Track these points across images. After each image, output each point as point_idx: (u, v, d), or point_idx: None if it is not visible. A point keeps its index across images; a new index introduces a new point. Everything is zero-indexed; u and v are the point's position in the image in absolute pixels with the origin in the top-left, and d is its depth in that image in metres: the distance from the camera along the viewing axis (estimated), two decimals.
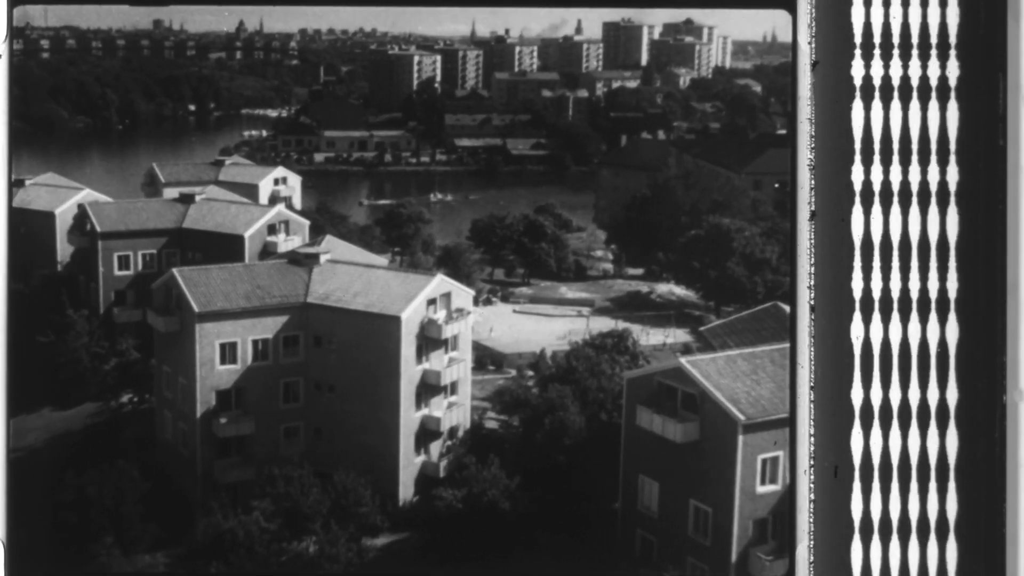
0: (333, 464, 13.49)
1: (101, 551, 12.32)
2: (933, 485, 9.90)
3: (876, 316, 9.88)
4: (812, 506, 9.84)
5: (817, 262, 9.83)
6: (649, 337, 14.49)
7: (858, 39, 9.84)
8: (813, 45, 9.77)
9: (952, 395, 9.88)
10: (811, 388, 9.85)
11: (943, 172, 9.90)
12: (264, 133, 15.77)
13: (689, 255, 14.50)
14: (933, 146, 9.91)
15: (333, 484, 13.24)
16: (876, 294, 9.89)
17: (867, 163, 9.90)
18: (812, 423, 9.83)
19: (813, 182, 9.85)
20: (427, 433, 14.27)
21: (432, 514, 13.45)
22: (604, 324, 14.48)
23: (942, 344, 9.90)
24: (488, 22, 15.29)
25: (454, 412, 14.38)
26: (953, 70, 9.85)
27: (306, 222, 15.23)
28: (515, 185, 15.70)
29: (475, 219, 15.36)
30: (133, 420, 14.02)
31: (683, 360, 13.18)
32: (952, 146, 9.95)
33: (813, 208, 9.90)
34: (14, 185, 15.03)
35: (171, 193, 15.35)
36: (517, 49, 15.85)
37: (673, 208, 14.70)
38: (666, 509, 12.82)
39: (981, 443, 9.87)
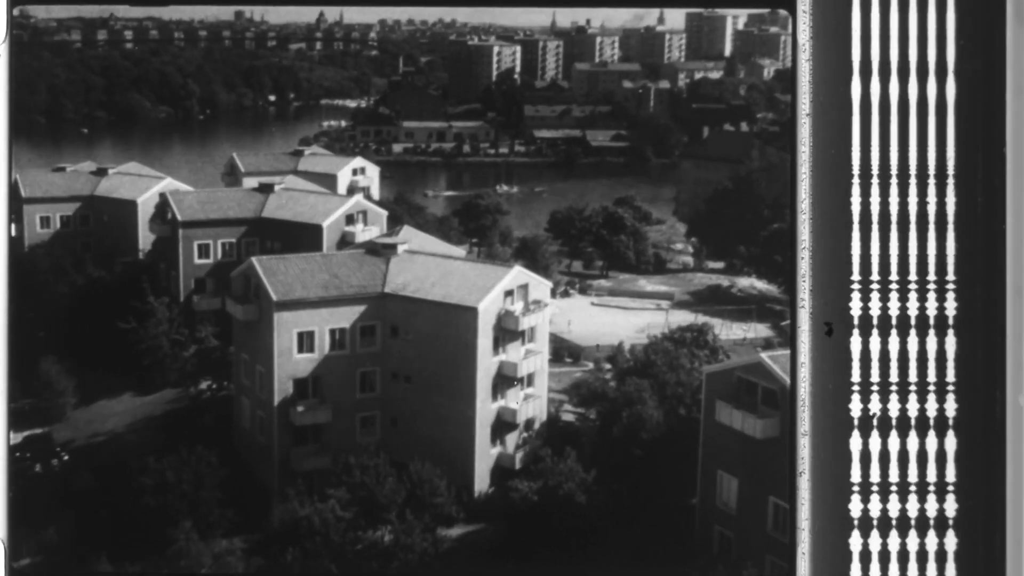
0: (409, 454, 13.69)
1: (179, 535, 12.66)
2: (933, 484, 9.87)
3: (876, 318, 9.88)
4: (812, 508, 9.83)
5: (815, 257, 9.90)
6: (729, 331, 14.47)
7: (857, 39, 9.90)
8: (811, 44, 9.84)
9: (951, 399, 9.92)
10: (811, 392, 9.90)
11: (941, 176, 9.91)
12: (343, 123, 16.03)
13: (771, 249, 14.43)
14: (933, 147, 9.92)
15: (409, 474, 13.44)
16: (876, 295, 9.91)
17: (866, 161, 9.96)
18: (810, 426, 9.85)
19: (811, 174, 9.92)
20: (503, 425, 14.40)
21: (507, 506, 13.58)
22: (684, 318, 14.48)
23: (941, 344, 9.89)
24: (569, 12, 15.38)
25: (530, 404, 14.50)
26: (952, 61, 9.93)
27: (384, 212, 15.47)
28: (594, 177, 15.76)
29: (554, 211, 15.46)
30: (212, 407, 14.38)
31: (764, 355, 13.14)
32: (951, 145, 9.96)
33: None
34: (96, 174, 15.54)
35: (251, 182, 15.68)
36: (598, 39, 15.91)
37: (755, 201, 14.64)
38: (745, 506, 12.79)
39: (981, 447, 9.87)
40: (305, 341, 14.17)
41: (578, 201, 15.62)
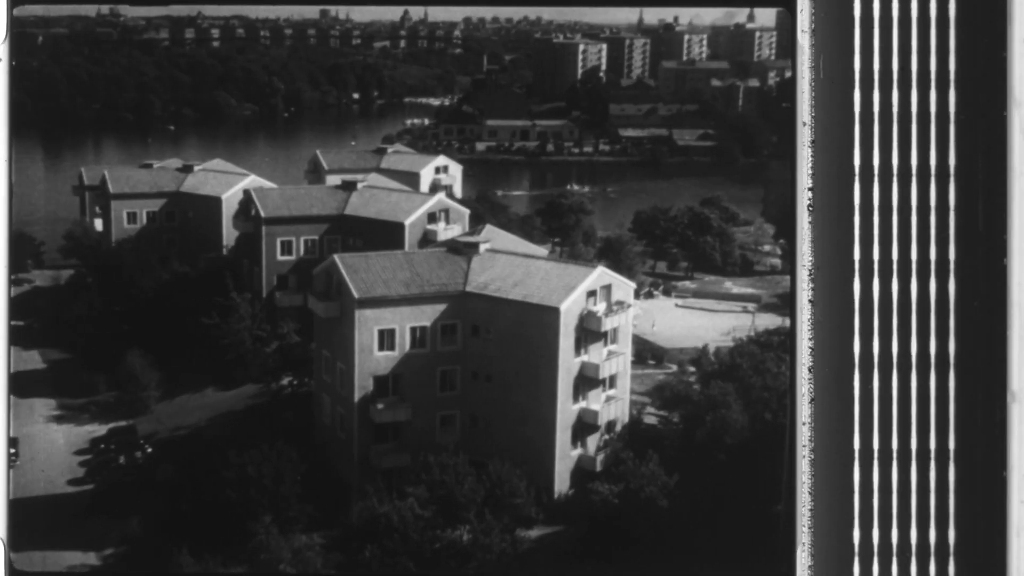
0: (488, 454, 13.80)
1: (259, 529, 12.92)
2: (933, 483, 9.82)
3: (876, 319, 9.83)
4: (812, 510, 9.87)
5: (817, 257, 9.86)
6: None
7: (857, 40, 9.87)
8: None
9: (951, 396, 9.86)
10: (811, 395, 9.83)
11: (942, 179, 9.83)
12: (426, 121, 16.22)
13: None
14: (933, 146, 9.83)
15: (488, 474, 13.55)
16: (875, 297, 9.83)
17: (866, 160, 9.91)
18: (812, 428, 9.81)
19: (812, 173, 9.87)
20: (584, 426, 14.44)
21: (587, 508, 13.61)
22: (770, 321, 14.37)
23: (941, 344, 9.78)
24: (656, 10, 15.39)
25: (612, 406, 14.52)
26: (953, 65, 9.88)
27: (466, 211, 15.62)
28: (680, 177, 15.74)
29: (638, 211, 15.47)
30: (293, 403, 14.65)
31: None
32: (952, 148, 9.86)
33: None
34: (182, 170, 15.94)
35: (334, 180, 15.95)
36: (686, 37, 15.91)
37: None
38: None
39: (980, 445, 9.82)
40: (386, 339, 14.37)
41: (663, 201, 15.61)
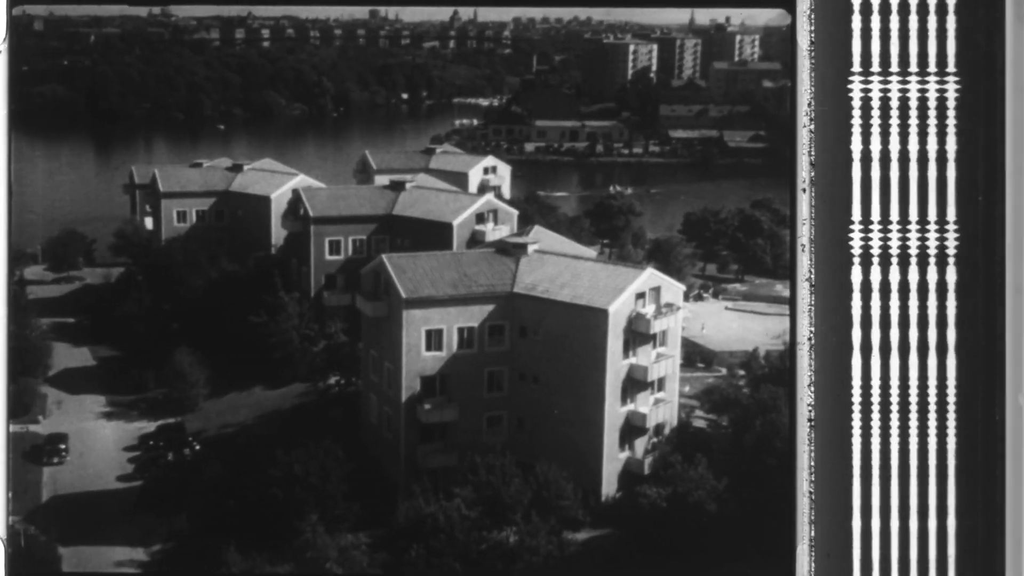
0: (535, 455, 13.85)
1: (306, 528, 13.04)
2: (933, 484, 9.80)
3: (876, 321, 9.82)
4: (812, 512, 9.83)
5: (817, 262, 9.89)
6: None
7: (857, 40, 9.86)
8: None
9: (951, 397, 9.90)
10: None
11: (941, 176, 9.78)
12: (475, 122, 16.30)
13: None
14: (933, 147, 9.76)
15: (535, 475, 13.59)
16: (875, 297, 9.79)
17: (867, 166, 9.87)
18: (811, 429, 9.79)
19: (813, 174, 9.85)
20: (632, 429, 14.44)
21: (635, 512, 13.61)
22: None
23: (941, 343, 9.75)
24: (707, 11, 15.38)
25: (661, 409, 14.51)
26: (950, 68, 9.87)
27: (515, 212, 15.69)
28: (731, 178, 15.71)
29: (688, 212, 15.46)
30: (340, 402, 14.77)
31: None
32: (952, 146, 9.80)
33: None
34: (231, 170, 16.13)
35: (382, 180, 16.07)
36: (738, 38, 15.88)
37: None
38: None
39: (981, 446, 9.83)
40: (433, 339, 14.45)
41: (714, 203, 15.59)
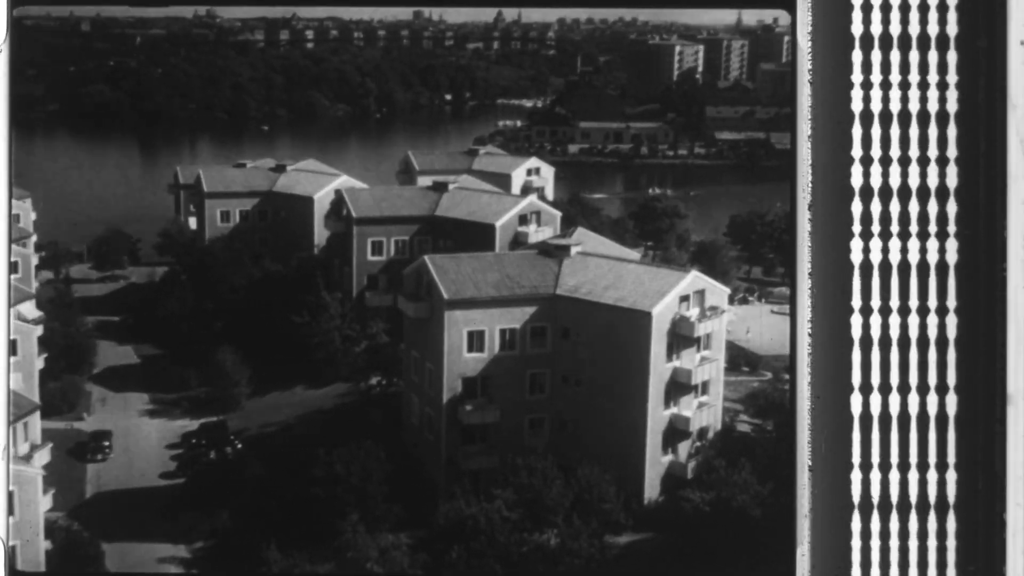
0: (577, 458, 13.86)
1: (347, 527, 13.13)
2: (933, 484, 9.83)
3: (876, 321, 9.85)
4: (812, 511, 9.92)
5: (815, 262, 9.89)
6: None
7: (857, 41, 9.88)
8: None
9: (951, 399, 9.87)
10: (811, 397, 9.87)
11: (942, 178, 9.75)
12: (519, 123, 16.37)
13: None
14: (933, 145, 9.79)
15: (577, 478, 13.60)
16: (876, 302, 9.83)
17: (866, 162, 9.83)
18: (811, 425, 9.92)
19: (812, 179, 9.87)
20: (675, 432, 14.42)
21: (677, 516, 13.59)
22: None
23: (941, 346, 9.77)
24: (755, 11, 15.35)
25: (704, 412, 14.48)
26: (952, 73, 9.90)
27: (558, 213, 15.73)
28: (778, 181, 15.65)
29: (733, 215, 15.42)
30: (381, 402, 14.87)
31: None
32: (952, 146, 9.83)
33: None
34: (275, 170, 16.29)
35: (425, 181, 16.17)
36: (785, 39, 15.82)
37: None
38: None
39: (979, 446, 9.84)
40: (475, 340, 14.51)
41: (760, 205, 15.54)
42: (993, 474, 9.94)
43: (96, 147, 15.43)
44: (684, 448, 14.38)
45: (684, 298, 14.51)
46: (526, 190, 16.02)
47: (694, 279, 14.62)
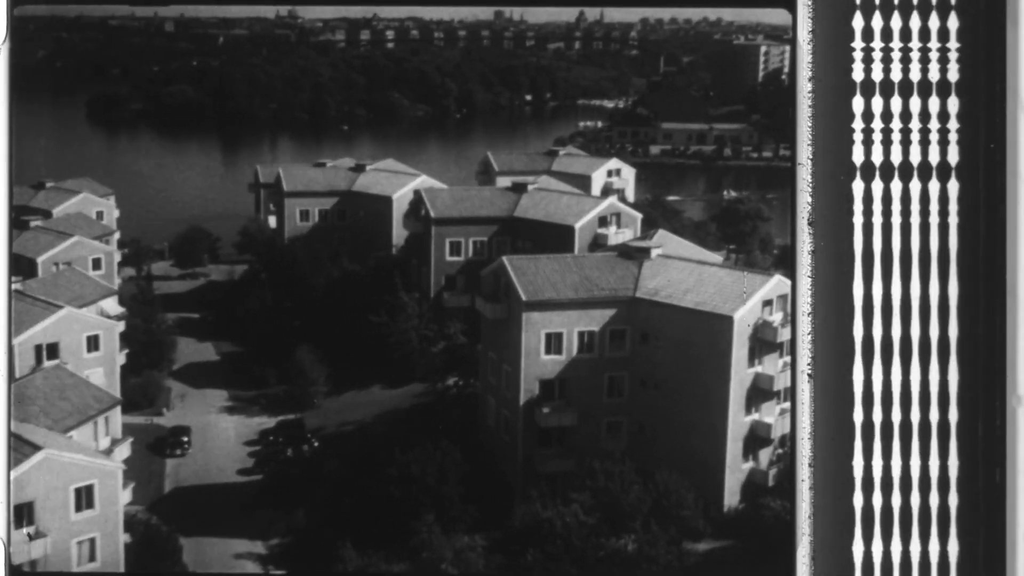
0: (655, 463, 13.83)
1: (422, 528, 13.23)
2: (933, 485, 9.80)
3: (877, 320, 9.84)
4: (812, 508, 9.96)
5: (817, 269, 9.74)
6: None
7: (858, 42, 9.82)
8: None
9: (951, 401, 9.88)
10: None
11: (942, 178, 9.67)
12: (599, 124, 16.40)
13: None
14: (933, 147, 9.69)
15: (655, 483, 13.57)
16: (877, 300, 9.84)
17: (867, 167, 9.77)
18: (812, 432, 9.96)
19: (812, 184, 9.95)
20: (756, 439, 14.32)
21: (758, 523, 13.49)
22: None
23: (942, 346, 9.73)
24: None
25: (787, 419, 14.35)
26: (953, 72, 9.89)
27: (638, 215, 15.72)
28: None
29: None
30: (457, 403, 14.98)
31: None
32: (952, 144, 9.78)
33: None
34: (354, 170, 16.50)
35: (504, 182, 16.26)
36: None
37: None
38: None
39: (983, 446, 9.85)
40: (553, 342, 14.56)
41: None
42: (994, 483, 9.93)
43: (178, 146, 15.77)
44: (765, 455, 14.27)
45: (767, 302, 14.42)
46: (606, 192, 16.05)
47: (777, 283, 14.52)
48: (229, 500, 13.76)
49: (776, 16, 15.72)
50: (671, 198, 16.17)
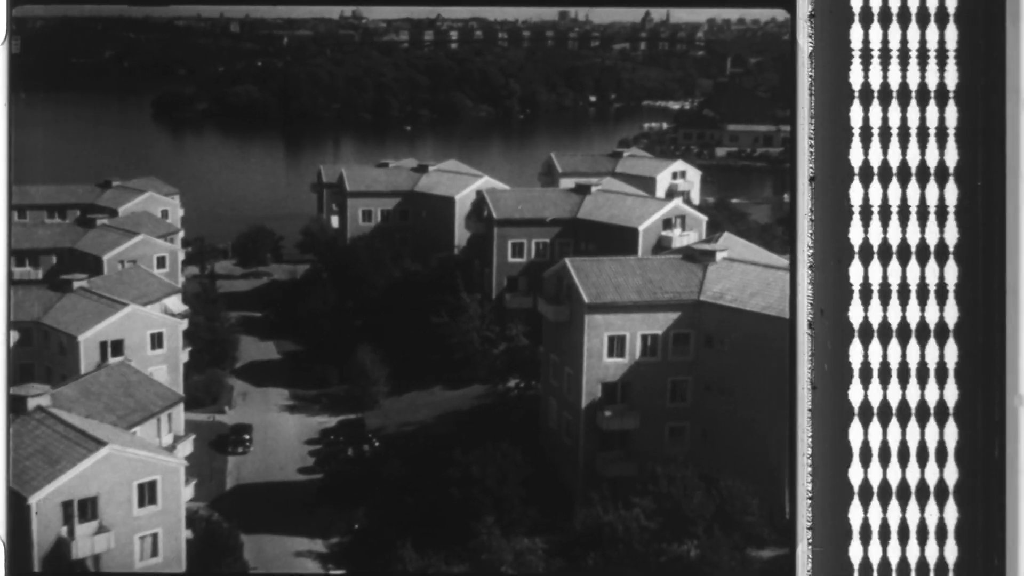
0: (719, 468, 13.78)
1: (482, 529, 13.30)
2: (933, 484, 9.87)
3: (877, 319, 9.86)
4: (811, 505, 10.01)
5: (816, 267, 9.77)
6: None
7: (857, 43, 9.79)
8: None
9: (951, 398, 9.95)
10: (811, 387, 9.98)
11: (942, 180, 9.69)
12: (664, 125, 16.37)
13: None
14: (933, 144, 9.79)
15: (719, 489, 13.53)
16: (875, 296, 9.91)
17: (865, 170, 9.69)
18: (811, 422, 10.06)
19: (813, 187, 10.03)
20: None
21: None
22: None
23: (942, 344, 9.87)
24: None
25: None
26: (951, 74, 9.98)
27: (703, 218, 15.69)
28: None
29: None
30: (519, 405, 15.03)
31: None
32: (952, 145, 9.79)
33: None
34: (417, 170, 16.63)
35: (567, 183, 16.30)
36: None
37: None
38: None
39: (981, 446, 9.87)
40: (616, 345, 14.57)
41: None
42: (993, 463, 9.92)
43: (242, 146, 16.00)
44: None
45: None
46: (671, 194, 16.03)
47: None
48: (290, 498, 13.92)
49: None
50: (737, 201, 16.10)
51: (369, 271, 15.79)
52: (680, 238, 15.57)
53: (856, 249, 10.07)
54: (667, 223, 15.72)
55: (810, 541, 10.21)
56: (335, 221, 16.37)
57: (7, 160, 10.12)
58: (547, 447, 14.63)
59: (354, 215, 16.38)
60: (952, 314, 9.98)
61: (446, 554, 13.04)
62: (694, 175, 16.09)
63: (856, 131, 10.16)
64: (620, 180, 16.32)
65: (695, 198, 15.89)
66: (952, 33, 10.05)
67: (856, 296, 10.08)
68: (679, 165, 16.14)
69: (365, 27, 15.91)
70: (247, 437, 14.38)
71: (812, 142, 10.33)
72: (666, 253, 15.38)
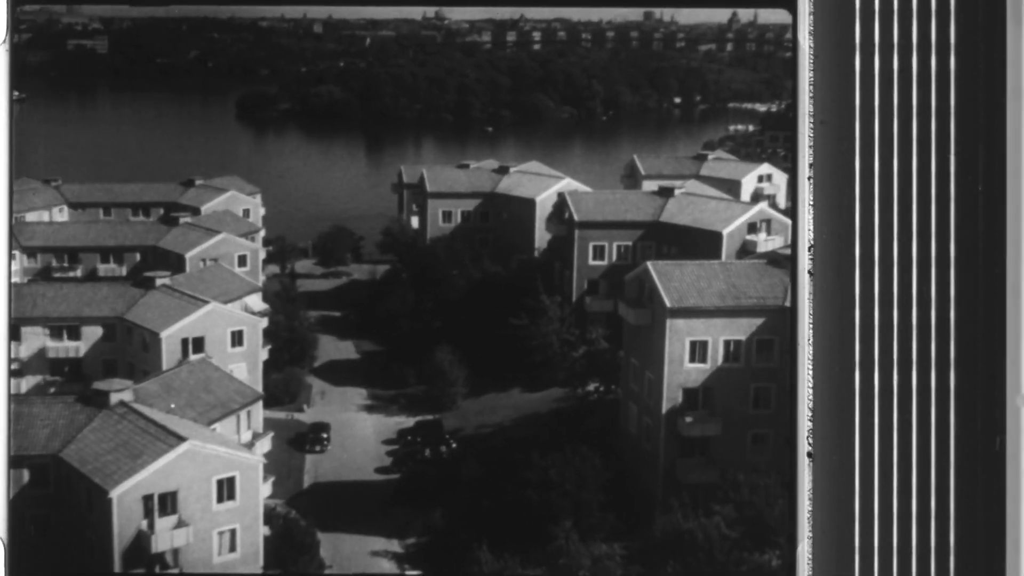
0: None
1: (559, 533, 13.33)
2: (933, 485, 9.84)
3: (877, 319, 9.83)
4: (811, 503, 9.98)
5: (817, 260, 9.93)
6: None
7: (858, 39, 9.89)
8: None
9: (951, 399, 9.90)
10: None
11: (942, 179, 9.64)
12: (750, 128, 16.29)
13: None
14: (933, 146, 9.74)
15: None
16: (876, 297, 9.85)
17: (867, 165, 9.80)
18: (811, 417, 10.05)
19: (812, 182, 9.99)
20: None
21: None
22: None
23: (942, 343, 9.69)
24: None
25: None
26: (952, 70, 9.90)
27: (789, 222, 15.55)
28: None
29: None
30: (598, 409, 15.03)
31: None
32: (952, 147, 9.74)
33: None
34: (497, 171, 16.72)
35: (650, 186, 16.27)
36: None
37: None
38: None
39: (982, 446, 9.88)
40: (697, 350, 14.51)
41: None
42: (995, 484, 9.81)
43: (324, 146, 16.22)
44: None
45: None
46: (756, 197, 15.94)
47: None
48: (366, 498, 14.07)
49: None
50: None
51: (449, 272, 15.91)
52: (765, 243, 15.47)
53: (857, 259, 10.07)
54: (752, 227, 15.62)
55: (810, 535, 10.23)
56: (415, 222, 16.51)
57: (8, 160, 10.32)
58: (626, 452, 14.60)
59: (434, 216, 16.51)
60: (952, 314, 9.95)
61: (522, 557, 13.08)
62: (780, 178, 15.99)
63: (856, 133, 10.16)
64: (704, 183, 16.26)
65: (781, 202, 15.78)
66: (952, 32, 10.03)
67: (857, 301, 10.07)
68: (765, 168, 16.05)
69: (448, 28, 16.05)
70: (325, 436, 14.55)
71: (812, 142, 10.35)
72: (751, 258, 15.28)
